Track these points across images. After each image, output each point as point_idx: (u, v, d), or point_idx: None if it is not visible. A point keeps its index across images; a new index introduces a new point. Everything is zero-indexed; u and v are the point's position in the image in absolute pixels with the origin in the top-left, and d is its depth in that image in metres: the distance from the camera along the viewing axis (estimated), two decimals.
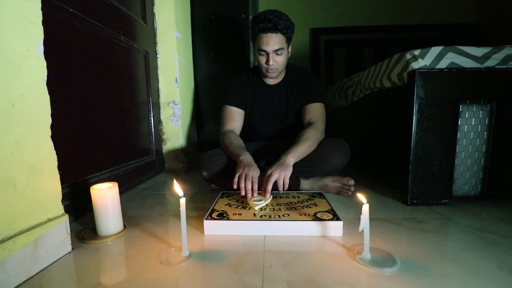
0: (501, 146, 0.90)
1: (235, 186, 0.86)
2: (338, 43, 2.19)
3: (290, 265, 0.57)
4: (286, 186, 0.86)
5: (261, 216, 0.75)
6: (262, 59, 1.07)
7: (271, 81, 1.18)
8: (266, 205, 0.83)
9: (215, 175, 1.06)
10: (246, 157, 0.94)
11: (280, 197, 0.92)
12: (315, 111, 1.11)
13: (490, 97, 0.88)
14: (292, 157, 0.91)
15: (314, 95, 1.13)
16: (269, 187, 0.83)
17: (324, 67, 2.22)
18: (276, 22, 0.99)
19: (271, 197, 0.87)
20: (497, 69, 0.86)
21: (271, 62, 1.04)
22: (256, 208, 0.79)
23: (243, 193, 0.83)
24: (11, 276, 0.51)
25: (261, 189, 0.86)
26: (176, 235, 0.73)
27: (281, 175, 0.85)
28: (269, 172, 0.86)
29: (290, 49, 1.11)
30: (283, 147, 0.98)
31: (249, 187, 0.83)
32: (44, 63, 0.60)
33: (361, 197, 0.60)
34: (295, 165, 0.91)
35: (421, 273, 0.54)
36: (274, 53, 1.04)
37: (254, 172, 0.87)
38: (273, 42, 1.02)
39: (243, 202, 0.87)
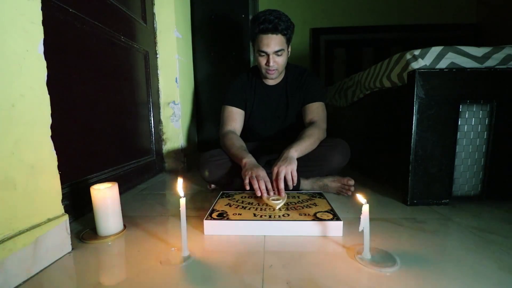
0: (501, 146, 0.90)
1: (247, 188, 0.87)
2: (338, 43, 2.19)
3: (290, 265, 0.57)
4: (295, 179, 0.87)
5: (261, 216, 0.75)
6: (262, 60, 1.06)
7: (270, 82, 1.18)
8: (267, 204, 0.83)
9: (216, 175, 1.06)
10: (250, 159, 0.94)
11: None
12: (316, 111, 1.11)
13: (490, 97, 0.88)
14: (295, 151, 0.92)
15: (314, 94, 1.13)
16: (282, 185, 0.84)
17: (324, 67, 2.23)
18: (276, 23, 0.98)
19: (286, 195, 0.87)
20: (497, 69, 0.86)
21: (271, 63, 1.04)
22: (277, 207, 0.79)
23: (259, 194, 0.84)
24: (11, 276, 0.51)
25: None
26: (176, 235, 0.73)
27: (288, 169, 0.85)
28: (275, 170, 0.86)
29: (289, 49, 1.11)
30: (283, 147, 0.98)
31: (263, 187, 0.84)
32: (44, 63, 0.60)
33: (360, 198, 0.60)
34: None
35: (421, 273, 0.54)
36: (275, 54, 1.04)
37: (263, 172, 0.88)
38: (273, 43, 1.01)
39: (243, 202, 0.87)
